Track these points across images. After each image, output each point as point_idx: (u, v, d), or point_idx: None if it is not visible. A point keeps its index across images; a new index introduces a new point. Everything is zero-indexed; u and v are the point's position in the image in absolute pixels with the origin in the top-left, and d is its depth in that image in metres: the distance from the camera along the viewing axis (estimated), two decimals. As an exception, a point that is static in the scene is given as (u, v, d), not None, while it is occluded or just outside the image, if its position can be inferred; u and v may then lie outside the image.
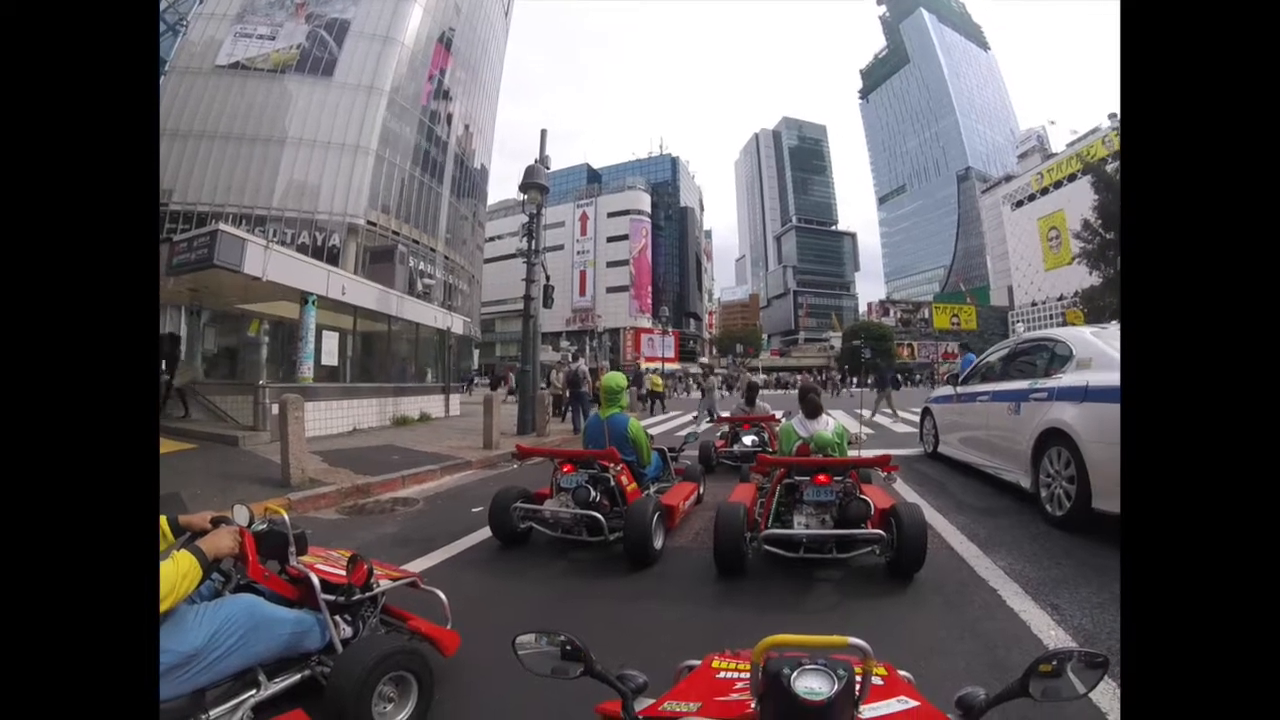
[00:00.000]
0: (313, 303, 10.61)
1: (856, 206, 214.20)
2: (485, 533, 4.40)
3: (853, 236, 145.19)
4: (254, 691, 1.87)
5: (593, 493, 4.08)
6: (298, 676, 2.03)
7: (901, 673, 1.56)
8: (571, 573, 3.82)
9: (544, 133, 13.00)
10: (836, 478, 3.72)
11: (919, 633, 2.80)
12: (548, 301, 12.59)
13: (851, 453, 4.42)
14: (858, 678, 1.14)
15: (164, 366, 10.14)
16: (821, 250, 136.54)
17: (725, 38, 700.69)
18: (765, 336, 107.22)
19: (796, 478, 3.78)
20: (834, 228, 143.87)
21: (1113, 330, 4.98)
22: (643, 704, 1.36)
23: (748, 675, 1.25)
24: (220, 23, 28.92)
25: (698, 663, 1.61)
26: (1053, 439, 4.52)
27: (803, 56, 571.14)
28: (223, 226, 9.27)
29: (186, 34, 28.66)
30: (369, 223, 28.28)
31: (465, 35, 36.40)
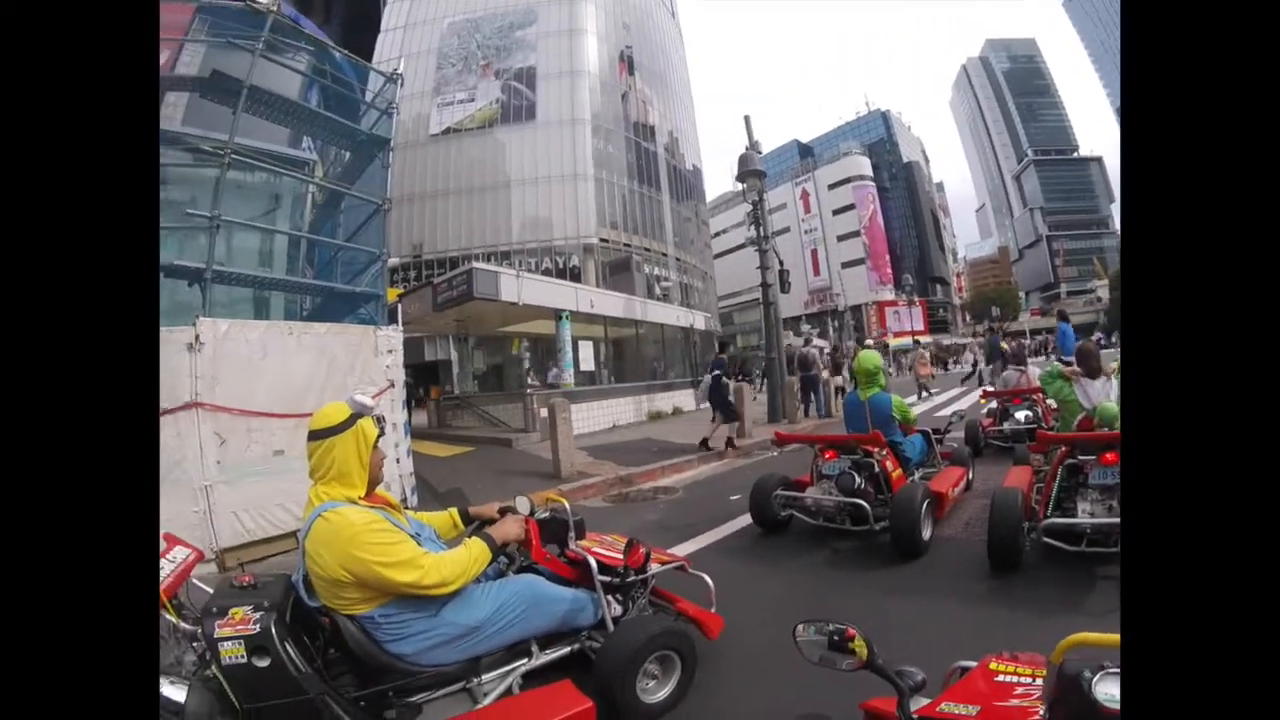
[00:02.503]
0: (566, 317, 11.85)
1: (1095, 125, 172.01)
2: (745, 520, 4.43)
3: (1099, 161, 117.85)
4: (525, 660, 2.06)
5: (857, 479, 3.88)
6: (568, 649, 2.19)
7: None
8: (834, 562, 3.71)
9: (748, 119, 12.80)
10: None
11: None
12: (784, 286, 12.37)
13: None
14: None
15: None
16: (1069, 184, 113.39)
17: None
18: (1023, 294, 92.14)
19: (1081, 457, 3.24)
20: (1076, 154, 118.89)
21: None
22: (918, 703, 1.30)
23: (1029, 679, 1.26)
24: (422, 99, 33.49)
25: (973, 664, 1.50)
26: None
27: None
28: (476, 264, 10.90)
29: (398, 115, 33.94)
30: (601, 240, 30.73)
31: (642, 48, 37.77)
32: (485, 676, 1.96)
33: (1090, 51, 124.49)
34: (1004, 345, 12.13)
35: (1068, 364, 4.60)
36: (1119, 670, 0.98)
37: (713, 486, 6.21)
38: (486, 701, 1.91)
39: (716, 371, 8.48)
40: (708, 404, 8.49)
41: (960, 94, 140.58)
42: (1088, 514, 3.15)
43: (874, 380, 4.35)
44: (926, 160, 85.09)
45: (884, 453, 4.00)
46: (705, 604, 2.57)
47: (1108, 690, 0.96)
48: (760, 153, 12.64)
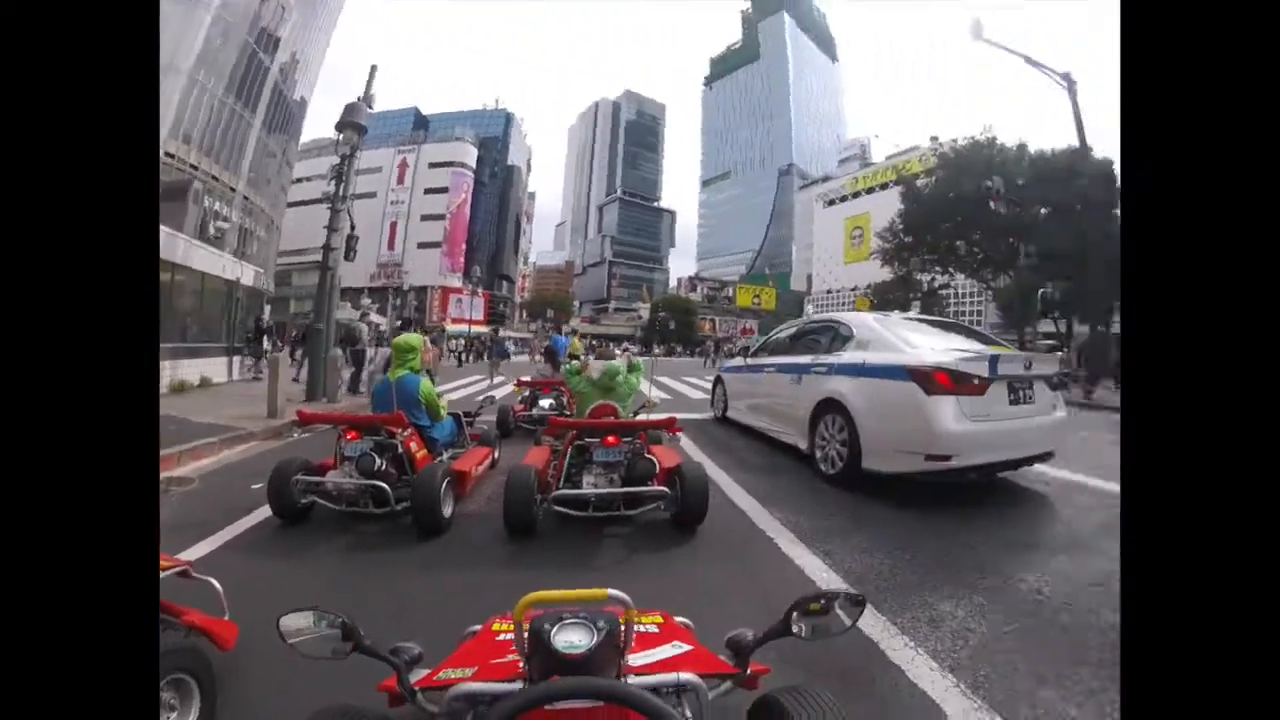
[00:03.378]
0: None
1: (680, 186, 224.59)
2: (265, 511, 4.04)
3: (672, 214, 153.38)
4: None
5: (378, 461, 3.89)
6: None
7: (679, 619, 1.68)
8: (358, 547, 3.65)
9: (374, 69, 11.91)
10: (625, 439, 3.92)
11: (702, 581, 3.08)
12: (349, 253, 11.44)
13: (642, 417, 4.71)
14: (621, 628, 1.18)
15: None
16: (641, 224, 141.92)
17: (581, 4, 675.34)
18: (577, 303, 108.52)
19: (587, 440, 3.92)
20: (656, 204, 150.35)
21: (894, 319, 5.75)
22: (419, 674, 1.35)
23: None
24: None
25: (479, 627, 1.60)
26: (829, 407, 5.17)
27: (654, 34, 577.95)
28: None
29: None
30: (166, 154, 23.59)
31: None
32: None
33: (704, 132, 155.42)
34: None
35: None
36: (578, 620, 1.12)
37: (235, 474, 5.48)
38: None
39: None
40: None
41: (583, 124, 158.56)
42: (592, 485, 3.78)
43: (405, 361, 4.44)
44: (529, 169, 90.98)
45: (407, 433, 4.10)
46: (217, 611, 2.30)
47: (567, 638, 1.09)
48: (372, 108, 11.72)
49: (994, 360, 4.39)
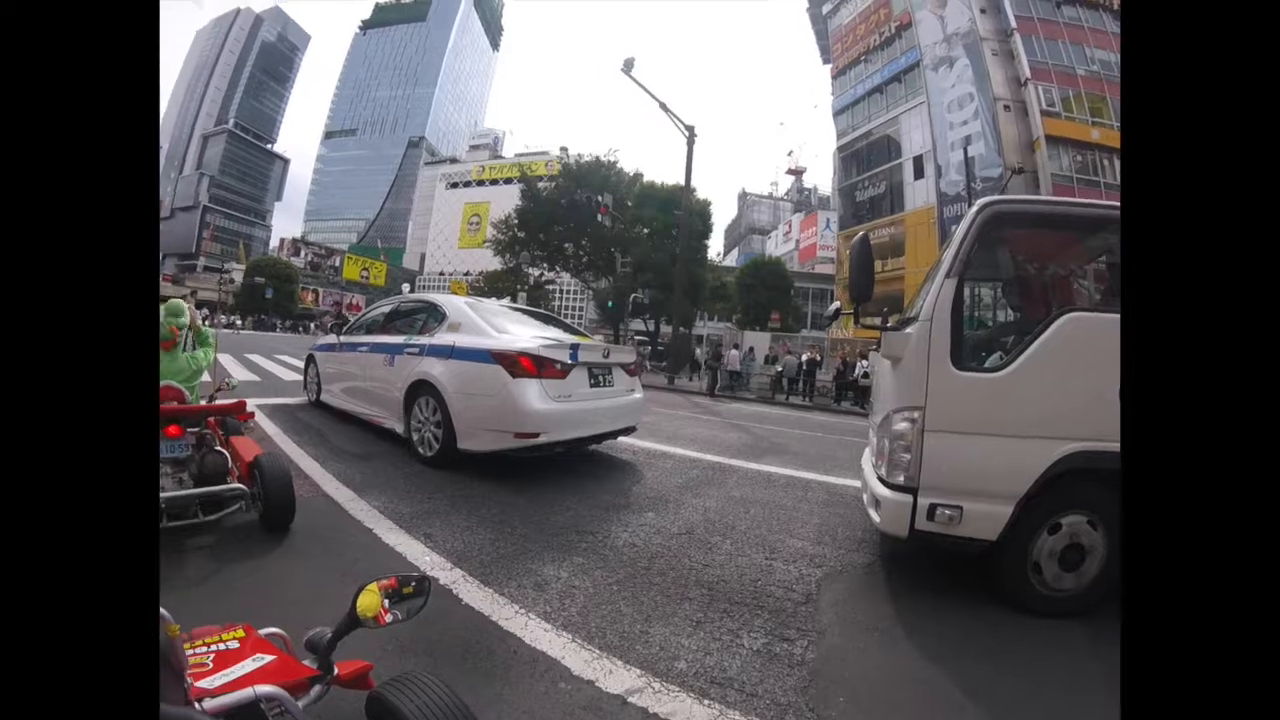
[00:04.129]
0: None
1: (299, 132, 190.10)
2: None
3: (286, 162, 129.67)
4: None
5: None
6: None
7: (267, 630, 1.54)
8: None
9: None
10: (190, 429, 3.30)
11: (298, 583, 2.74)
12: None
13: (218, 401, 3.90)
14: (171, 650, 1.08)
15: None
16: (249, 167, 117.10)
17: None
18: (162, 257, 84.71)
19: None
20: (270, 147, 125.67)
21: (490, 305, 5.95)
22: None
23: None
24: None
25: None
26: (422, 389, 5.07)
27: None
28: None
29: None
30: None
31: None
32: None
33: (341, 77, 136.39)
34: None
35: None
36: None
37: None
38: None
39: None
40: None
41: (215, 30, 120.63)
42: (161, 489, 2.99)
43: None
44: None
45: None
46: None
47: None
48: None
49: (575, 348, 4.92)
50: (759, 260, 41.34)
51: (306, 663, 1.38)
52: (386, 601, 1.35)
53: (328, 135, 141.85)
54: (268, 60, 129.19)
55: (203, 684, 1.20)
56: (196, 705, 1.11)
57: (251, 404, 3.91)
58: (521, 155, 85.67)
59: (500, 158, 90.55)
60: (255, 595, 2.59)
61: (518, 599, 2.63)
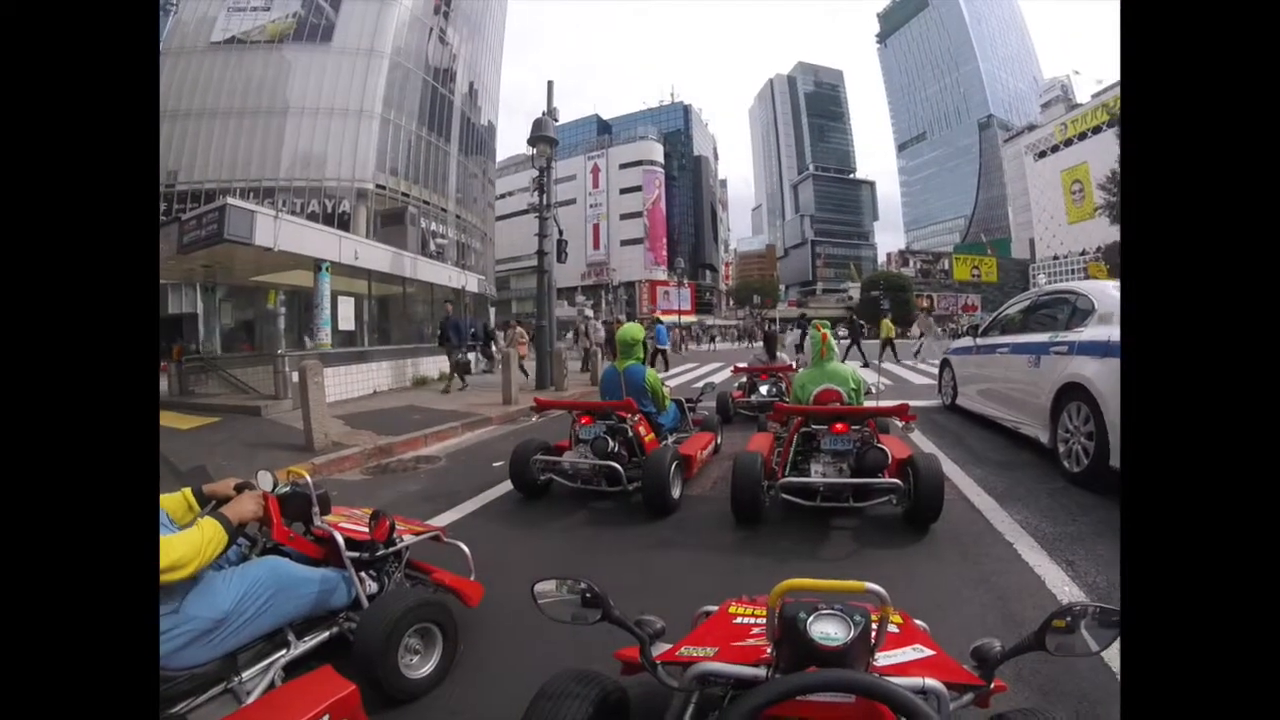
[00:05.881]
0: (326, 269, 10.69)
1: (876, 154, 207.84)
2: (507, 486, 4.49)
3: (871, 185, 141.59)
4: (284, 651, 1.91)
5: (611, 443, 4.12)
6: (326, 634, 2.07)
7: (917, 622, 1.57)
8: (591, 522, 3.88)
9: (550, 84, 12.76)
10: (854, 427, 3.69)
11: (934, 583, 2.82)
12: (561, 256, 12.57)
13: (869, 403, 4.35)
14: (874, 624, 1.12)
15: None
16: (840, 199, 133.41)
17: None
18: (783, 287, 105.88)
19: (814, 426, 3.77)
20: (852, 176, 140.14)
21: None
22: (660, 649, 1.37)
23: (764, 620, 1.27)
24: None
25: (715, 608, 1.60)
26: (1072, 394, 4.43)
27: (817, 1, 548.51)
28: (231, 200, 9.28)
29: (178, 14, 28.13)
30: (378, 186, 27.88)
31: (461, -12, 34.72)
32: (245, 673, 1.78)
33: (889, 93, 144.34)
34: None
35: None
36: (834, 612, 1.08)
37: (476, 454, 6.16)
38: (250, 699, 1.73)
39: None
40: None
41: (761, 104, 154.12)
42: (820, 474, 3.64)
43: (631, 352, 4.60)
44: (716, 157, 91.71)
45: (636, 418, 4.30)
46: (464, 572, 2.56)
47: (824, 629, 1.06)
48: (557, 120, 12.57)
49: None
50: None
51: (966, 667, 1.35)
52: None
53: (900, 148, 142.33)
54: (816, 106, 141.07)
55: (877, 659, 1.22)
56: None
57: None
58: (1099, 94, 65.92)
59: (1077, 106, 72.03)
60: (891, 581, 2.73)
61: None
